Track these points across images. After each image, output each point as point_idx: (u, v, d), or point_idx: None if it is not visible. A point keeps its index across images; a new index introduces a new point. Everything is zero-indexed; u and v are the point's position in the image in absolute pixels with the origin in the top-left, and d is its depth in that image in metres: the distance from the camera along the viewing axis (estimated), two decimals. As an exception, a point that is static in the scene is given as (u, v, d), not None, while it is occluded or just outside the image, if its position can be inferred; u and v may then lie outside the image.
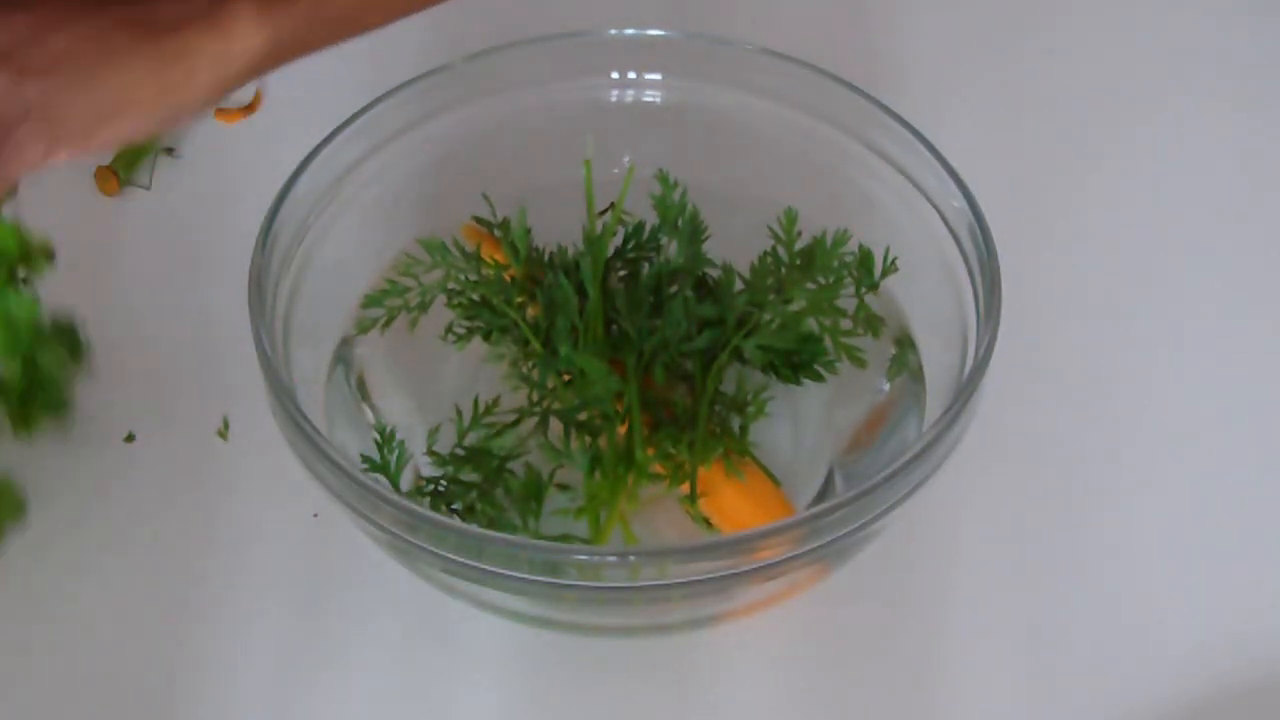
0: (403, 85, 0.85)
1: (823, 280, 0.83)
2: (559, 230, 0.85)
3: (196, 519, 0.85)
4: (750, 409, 0.81)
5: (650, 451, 0.78)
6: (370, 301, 0.84)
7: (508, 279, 0.83)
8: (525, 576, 0.72)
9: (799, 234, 0.83)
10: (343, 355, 0.84)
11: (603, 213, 0.83)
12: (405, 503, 0.72)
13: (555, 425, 0.79)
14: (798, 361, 0.82)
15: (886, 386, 0.85)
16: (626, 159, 0.86)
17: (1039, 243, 0.95)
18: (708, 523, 0.80)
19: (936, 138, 0.84)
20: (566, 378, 0.80)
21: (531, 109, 0.88)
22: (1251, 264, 0.97)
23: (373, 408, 0.84)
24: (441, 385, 0.86)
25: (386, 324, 0.83)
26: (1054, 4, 1.11)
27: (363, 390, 0.85)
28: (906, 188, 0.83)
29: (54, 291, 0.96)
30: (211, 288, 0.92)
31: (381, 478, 0.78)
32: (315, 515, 0.84)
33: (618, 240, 0.85)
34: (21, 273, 0.86)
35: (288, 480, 0.80)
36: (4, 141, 0.64)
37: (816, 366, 0.82)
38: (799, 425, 0.85)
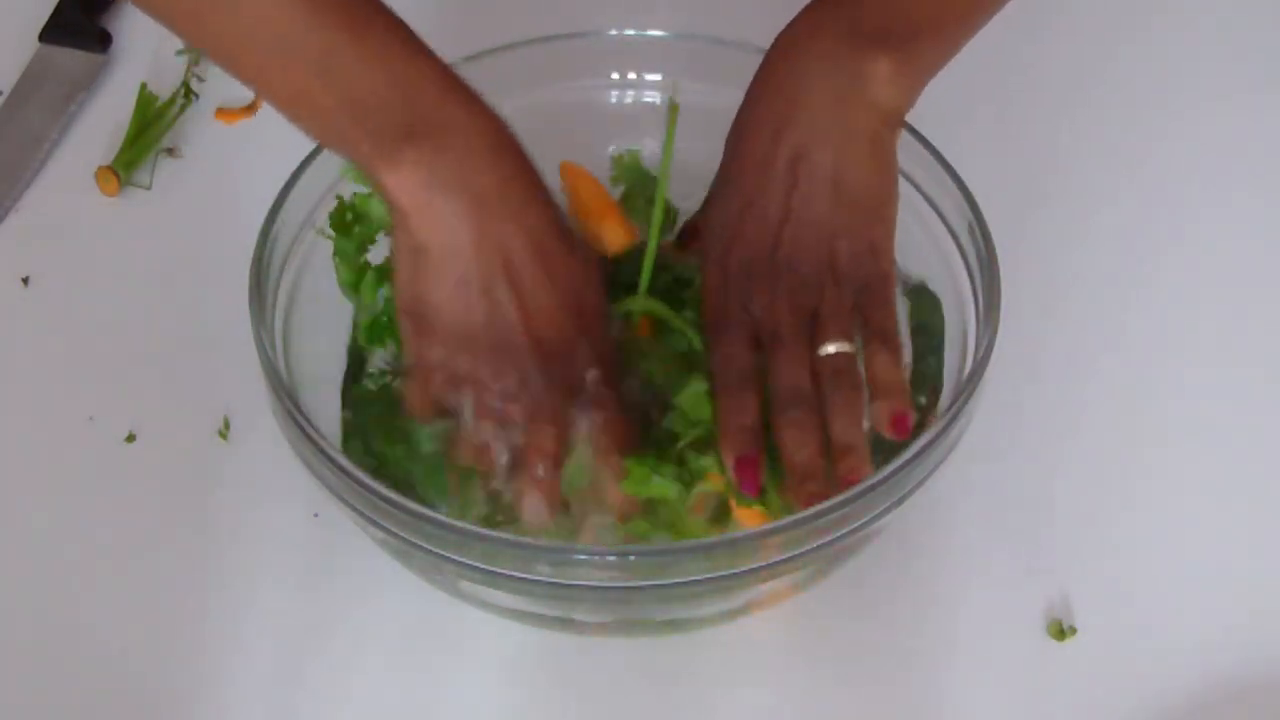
0: (403, 85, 0.85)
1: None
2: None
3: (196, 519, 0.85)
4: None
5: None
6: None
7: None
8: (525, 576, 0.72)
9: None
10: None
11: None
12: (405, 503, 0.72)
13: None
14: None
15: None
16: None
17: (1039, 243, 0.96)
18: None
19: (936, 138, 0.84)
20: None
21: (531, 109, 0.88)
22: (1253, 263, 0.97)
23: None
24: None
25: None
26: (1054, 4, 1.11)
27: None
28: (906, 188, 0.83)
29: (55, 291, 0.96)
30: (211, 288, 0.92)
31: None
32: (315, 515, 0.84)
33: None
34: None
35: (288, 480, 0.80)
36: None
37: None
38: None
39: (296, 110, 0.74)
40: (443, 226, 0.72)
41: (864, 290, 0.76)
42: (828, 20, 0.78)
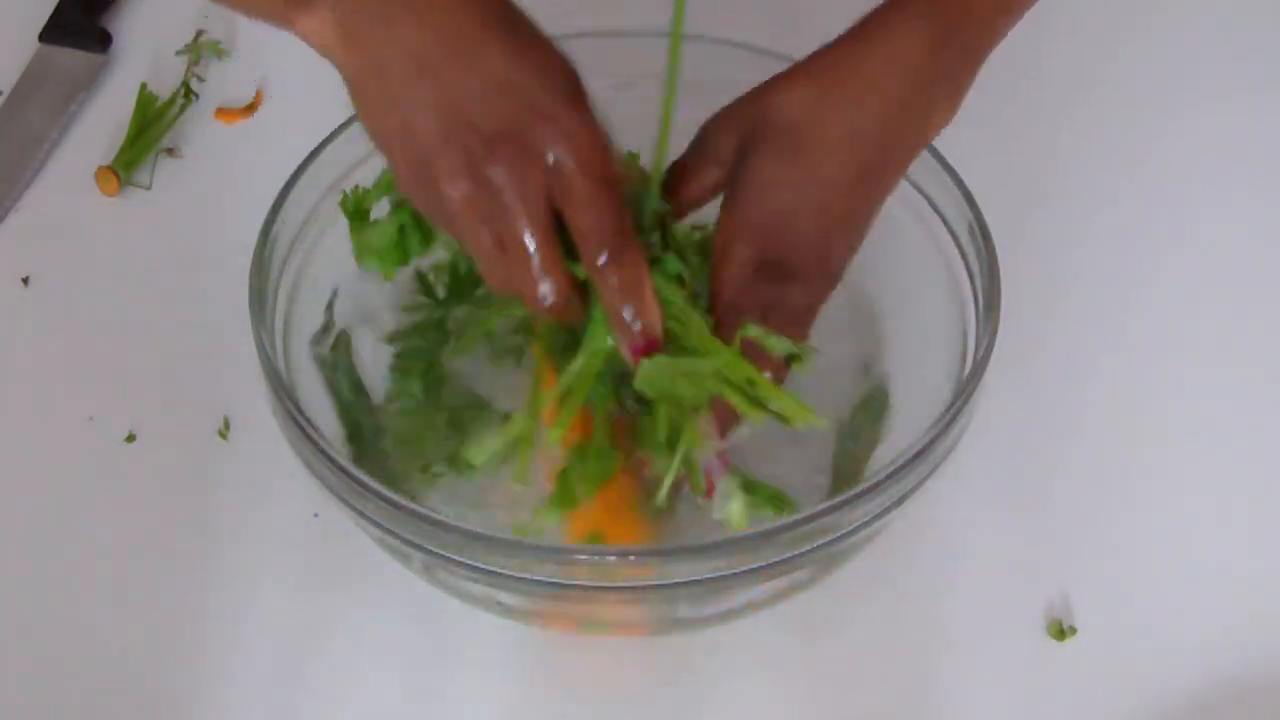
0: (403, 85, 0.85)
1: None
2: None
3: (196, 519, 0.85)
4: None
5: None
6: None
7: None
8: (524, 575, 0.72)
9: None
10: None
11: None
12: (404, 502, 0.72)
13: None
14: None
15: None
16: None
17: (1039, 243, 0.96)
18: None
19: (936, 139, 0.83)
20: None
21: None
22: (1253, 263, 0.97)
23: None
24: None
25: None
26: (1054, 4, 1.11)
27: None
28: (906, 187, 0.83)
29: (55, 291, 0.96)
30: (211, 288, 0.92)
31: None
32: (315, 515, 0.84)
33: None
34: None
35: (288, 480, 0.80)
36: None
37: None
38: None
39: None
40: (355, 53, 0.71)
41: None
42: (914, 19, 0.76)
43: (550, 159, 0.70)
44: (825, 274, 0.77)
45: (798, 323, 0.76)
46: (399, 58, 0.70)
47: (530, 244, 0.71)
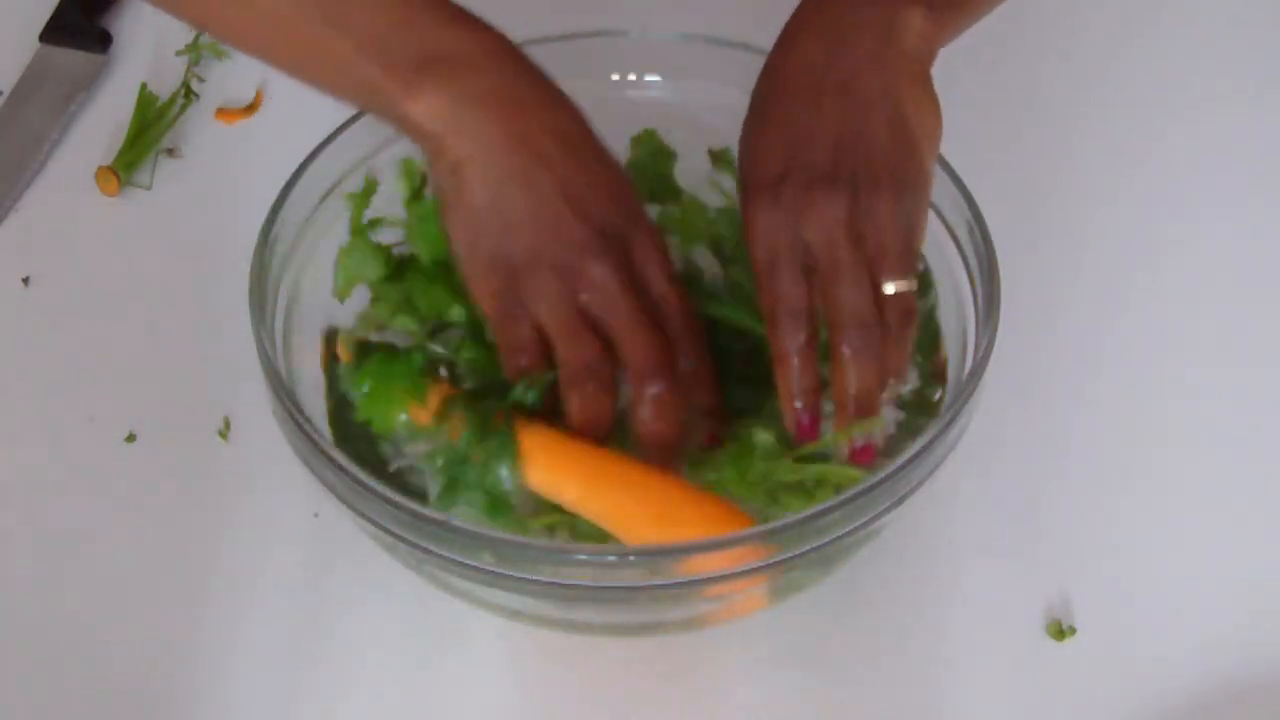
0: (403, 85, 0.85)
1: None
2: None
3: (196, 519, 0.85)
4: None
5: None
6: None
7: None
8: (525, 576, 0.72)
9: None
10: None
11: None
12: (406, 502, 0.72)
13: None
14: None
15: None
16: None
17: (1039, 243, 0.96)
18: None
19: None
20: None
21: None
22: (1253, 263, 0.97)
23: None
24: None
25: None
26: (1053, 4, 1.11)
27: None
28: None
29: (55, 291, 0.96)
30: (211, 288, 0.92)
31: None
32: (315, 515, 0.84)
33: None
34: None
35: (288, 480, 0.80)
36: None
37: None
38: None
39: (312, 66, 0.76)
40: (474, 135, 0.73)
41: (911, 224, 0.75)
42: None
43: (641, 264, 0.75)
44: (896, 184, 0.74)
45: (893, 248, 0.74)
46: (516, 143, 0.73)
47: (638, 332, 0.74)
